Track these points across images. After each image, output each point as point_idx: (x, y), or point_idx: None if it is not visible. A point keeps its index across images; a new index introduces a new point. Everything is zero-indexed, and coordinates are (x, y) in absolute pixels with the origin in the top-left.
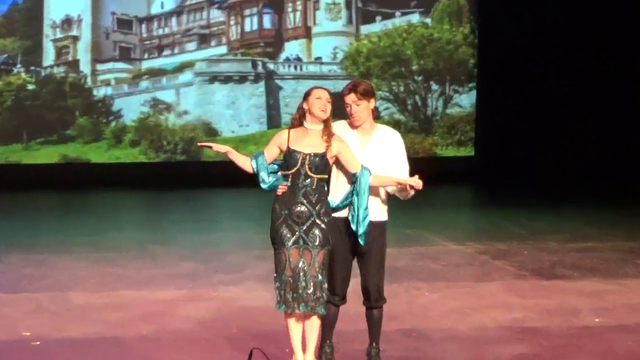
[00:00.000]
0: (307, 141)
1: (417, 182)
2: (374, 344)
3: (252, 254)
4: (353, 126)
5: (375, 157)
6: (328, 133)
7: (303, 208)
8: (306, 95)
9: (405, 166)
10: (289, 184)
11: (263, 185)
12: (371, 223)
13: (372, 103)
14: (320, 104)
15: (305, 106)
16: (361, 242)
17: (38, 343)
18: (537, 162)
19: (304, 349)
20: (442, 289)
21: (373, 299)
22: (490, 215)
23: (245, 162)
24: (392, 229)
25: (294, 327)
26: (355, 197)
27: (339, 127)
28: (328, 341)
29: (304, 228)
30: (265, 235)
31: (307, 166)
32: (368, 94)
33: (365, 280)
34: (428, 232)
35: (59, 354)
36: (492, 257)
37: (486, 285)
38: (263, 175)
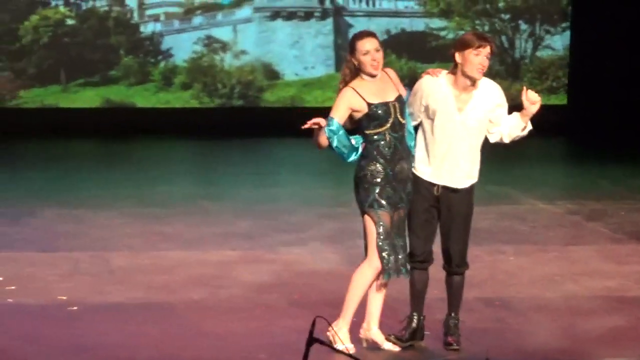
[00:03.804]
0: (382, 89)
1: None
2: (452, 314)
3: (317, 211)
4: (454, 82)
5: (474, 121)
6: (390, 75)
7: (404, 164)
8: (350, 48)
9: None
10: (386, 140)
11: (352, 156)
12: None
13: None
14: (370, 60)
15: (354, 61)
16: None
17: (75, 308)
18: (638, 112)
19: (370, 319)
20: (529, 253)
21: (455, 264)
22: (584, 172)
23: (322, 137)
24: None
25: (378, 295)
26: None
27: (432, 82)
28: (415, 313)
29: (403, 185)
30: (332, 191)
31: (399, 114)
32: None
33: (447, 243)
34: (514, 190)
35: (98, 321)
36: (585, 218)
37: (578, 250)
38: (344, 141)
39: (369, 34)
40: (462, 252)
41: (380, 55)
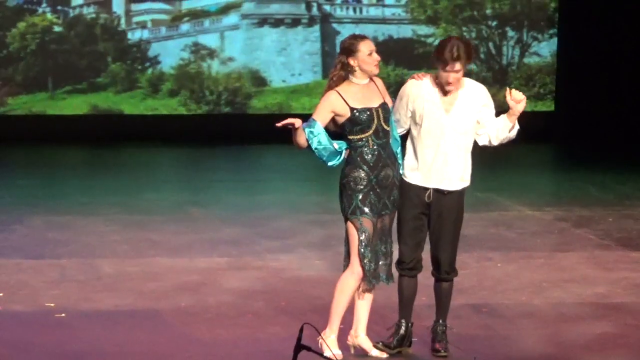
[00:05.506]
0: (367, 95)
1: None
2: (440, 321)
3: (304, 218)
4: (439, 86)
5: (461, 122)
6: (377, 83)
7: (389, 171)
8: (349, 50)
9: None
10: (369, 146)
11: (333, 161)
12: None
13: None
14: (373, 60)
15: (352, 62)
16: None
17: (63, 315)
18: (626, 119)
19: (358, 326)
20: (517, 259)
21: (444, 271)
22: (572, 178)
23: (301, 137)
24: None
25: (365, 301)
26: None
27: (418, 86)
28: (404, 320)
29: (388, 192)
30: (319, 198)
31: (382, 121)
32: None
33: (437, 249)
34: (502, 196)
35: (86, 328)
36: (573, 225)
37: (566, 256)
38: (325, 143)
39: (366, 36)
40: (451, 259)
41: (378, 57)
